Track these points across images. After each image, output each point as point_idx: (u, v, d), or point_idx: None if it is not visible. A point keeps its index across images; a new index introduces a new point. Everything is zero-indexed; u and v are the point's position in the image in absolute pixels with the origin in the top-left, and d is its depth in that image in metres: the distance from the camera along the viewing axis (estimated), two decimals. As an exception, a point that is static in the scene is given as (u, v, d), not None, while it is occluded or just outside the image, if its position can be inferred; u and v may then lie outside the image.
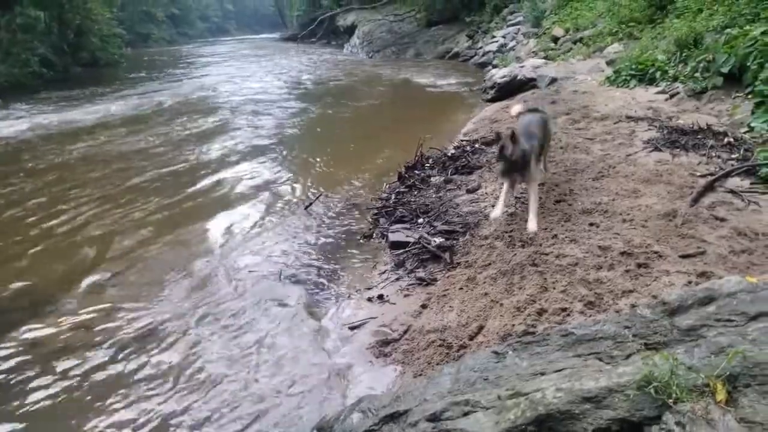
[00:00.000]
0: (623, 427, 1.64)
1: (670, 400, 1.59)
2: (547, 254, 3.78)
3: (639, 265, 3.44)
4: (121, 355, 3.56)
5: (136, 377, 3.35)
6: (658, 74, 8.66)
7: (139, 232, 5.60)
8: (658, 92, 8.14)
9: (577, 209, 4.48)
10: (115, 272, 4.73)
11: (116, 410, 3.07)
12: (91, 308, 4.14)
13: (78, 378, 3.34)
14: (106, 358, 3.53)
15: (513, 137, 4.08)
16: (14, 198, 6.78)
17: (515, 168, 4.19)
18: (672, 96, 7.73)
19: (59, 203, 6.47)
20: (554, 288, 3.38)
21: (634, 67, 9.12)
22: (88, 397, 3.18)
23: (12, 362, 3.53)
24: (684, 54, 8.38)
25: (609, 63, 10.73)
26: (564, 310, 3.17)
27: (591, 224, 4.16)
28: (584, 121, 7.30)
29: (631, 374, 1.76)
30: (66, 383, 3.30)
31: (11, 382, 3.33)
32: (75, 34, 20.97)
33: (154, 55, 30.57)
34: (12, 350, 3.65)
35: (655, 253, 3.55)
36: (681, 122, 6.45)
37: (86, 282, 4.57)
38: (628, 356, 1.98)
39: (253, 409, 3.01)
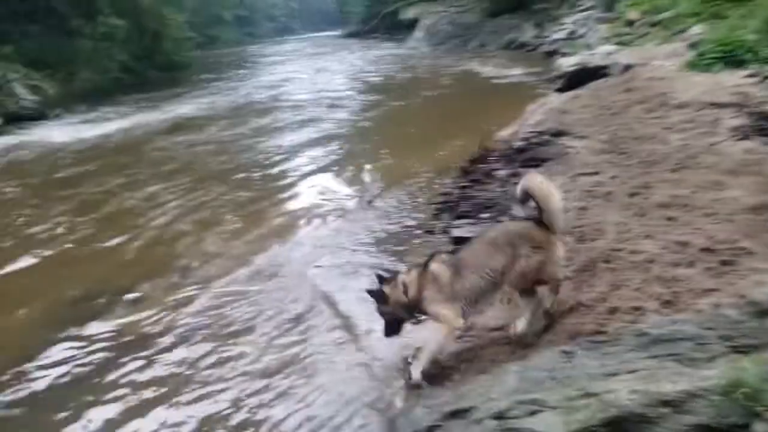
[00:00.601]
0: (705, 435, 1.54)
1: (762, 408, 1.47)
2: (619, 250, 3.61)
3: (723, 263, 3.19)
4: (198, 342, 3.76)
5: (209, 361, 3.52)
6: (747, 56, 8.01)
7: (219, 224, 5.95)
8: (747, 76, 7.52)
9: (653, 203, 4.23)
10: (197, 264, 5.02)
11: (192, 392, 3.25)
12: (178, 297, 4.41)
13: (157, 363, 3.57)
14: (189, 344, 3.74)
15: (392, 281, 2.98)
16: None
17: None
18: (764, 79, 7.15)
19: (153, 196, 7.01)
20: (627, 286, 3.21)
21: (719, 49, 8.47)
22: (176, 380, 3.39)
23: (106, 345, 3.81)
24: (778, 33, 7.72)
25: (690, 46, 10.05)
26: (637, 309, 3.00)
27: (668, 218, 3.91)
28: (661, 109, 6.88)
29: (715, 378, 1.65)
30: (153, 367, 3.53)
31: (106, 366, 3.59)
32: (151, 40, 22.15)
33: (223, 56, 31.84)
34: (107, 334, 3.94)
35: (742, 249, 3.28)
36: (773, 108, 5.95)
37: (177, 271, 4.90)
38: (711, 359, 1.86)
39: (325, 389, 3.09)
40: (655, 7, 14.50)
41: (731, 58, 8.20)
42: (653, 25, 13.43)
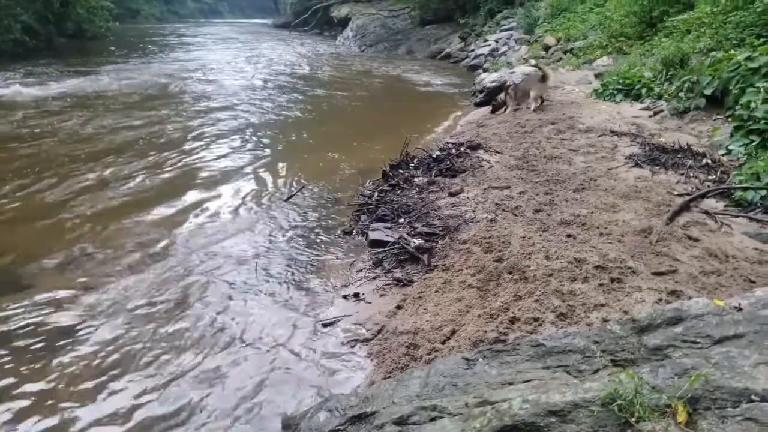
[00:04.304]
0: (586, 443, 1.67)
1: (633, 419, 1.62)
2: (523, 263, 3.82)
3: (612, 280, 3.50)
4: (85, 333, 3.50)
5: (96, 355, 3.29)
6: (643, 91, 8.82)
7: (119, 212, 5.51)
8: (643, 108, 8.29)
9: (555, 220, 4.53)
10: (91, 250, 4.65)
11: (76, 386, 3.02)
12: (59, 285, 4.08)
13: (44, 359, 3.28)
14: (73, 337, 3.47)
15: None
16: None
17: None
18: (656, 113, 7.87)
19: (40, 177, 6.39)
20: (528, 297, 3.42)
21: (621, 81, 9.25)
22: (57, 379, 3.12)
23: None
24: (670, 73, 8.54)
25: (597, 76, 10.85)
26: (536, 319, 3.21)
27: (568, 236, 4.21)
28: (569, 132, 7.38)
29: (597, 390, 1.78)
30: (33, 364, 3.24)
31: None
32: (60, 4, 20.34)
33: (143, 31, 29.99)
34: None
35: (629, 268, 3.62)
36: (663, 140, 6.58)
37: (56, 259, 4.50)
38: (596, 371, 2.02)
39: (223, 402, 2.98)
40: (569, 35, 15.55)
41: (630, 90, 9.01)
42: (566, 52, 14.37)
